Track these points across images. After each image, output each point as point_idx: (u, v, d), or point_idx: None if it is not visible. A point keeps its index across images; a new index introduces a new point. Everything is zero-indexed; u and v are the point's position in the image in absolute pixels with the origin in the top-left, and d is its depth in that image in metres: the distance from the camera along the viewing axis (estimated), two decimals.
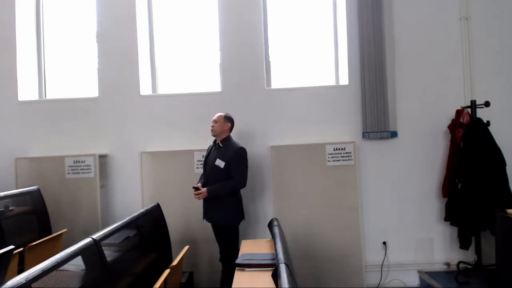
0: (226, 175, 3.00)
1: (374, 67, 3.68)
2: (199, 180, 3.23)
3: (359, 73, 3.74)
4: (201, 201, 3.58)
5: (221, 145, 3.11)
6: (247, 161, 3.12)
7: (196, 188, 3.03)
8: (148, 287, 2.29)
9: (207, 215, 3.13)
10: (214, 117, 3.15)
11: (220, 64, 3.96)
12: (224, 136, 3.12)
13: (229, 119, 3.16)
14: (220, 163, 3.00)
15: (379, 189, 3.74)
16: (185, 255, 2.76)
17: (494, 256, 3.00)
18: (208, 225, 3.61)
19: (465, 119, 3.53)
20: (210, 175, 3.06)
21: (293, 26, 4.10)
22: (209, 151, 3.21)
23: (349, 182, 3.59)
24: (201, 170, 3.65)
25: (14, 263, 2.44)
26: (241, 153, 3.07)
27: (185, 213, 3.64)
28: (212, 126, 3.12)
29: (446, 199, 3.61)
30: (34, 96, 4.10)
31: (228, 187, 3.01)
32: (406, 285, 3.66)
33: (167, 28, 4.16)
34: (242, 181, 3.06)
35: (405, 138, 3.74)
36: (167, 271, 2.29)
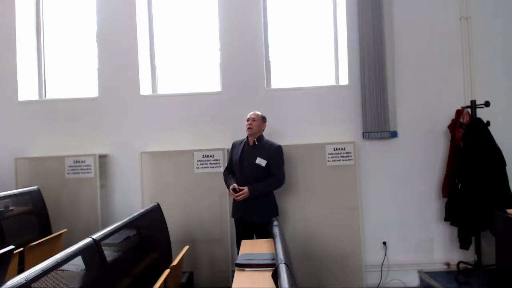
0: (266, 173, 3.05)
1: (374, 67, 3.68)
2: (227, 178, 3.20)
3: (359, 73, 3.74)
4: (202, 202, 3.57)
5: (256, 143, 3.12)
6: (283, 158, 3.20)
7: (234, 190, 3.01)
8: (148, 287, 2.29)
9: (242, 213, 3.06)
10: (252, 115, 3.14)
11: (220, 64, 3.96)
12: (258, 135, 3.15)
13: (265, 120, 3.23)
14: (261, 161, 3.03)
15: (379, 189, 3.74)
16: (185, 255, 2.76)
17: (494, 256, 3.00)
18: (208, 225, 3.62)
19: (465, 119, 3.53)
20: (249, 173, 3.05)
21: (293, 26, 4.10)
22: (242, 150, 3.15)
23: (349, 182, 3.59)
24: (201, 170, 3.66)
25: (14, 263, 2.44)
26: (281, 151, 3.16)
27: (185, 213, 3.64)
28: (250, 124, 3.11)
29: (446, 199, 3.61)
30: (34, 96, 4.10)
31: (270, 186, 3.08)
32: (406, 285, 3.66)
33: (167, 28, 4.16)
34: (282, 179, 3.14)
35: (405, 138, 3.73)
36: (167, 271, 2.30)
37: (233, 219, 3.26)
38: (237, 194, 2.98)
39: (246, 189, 2.97)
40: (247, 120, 3.14)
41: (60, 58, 4.21)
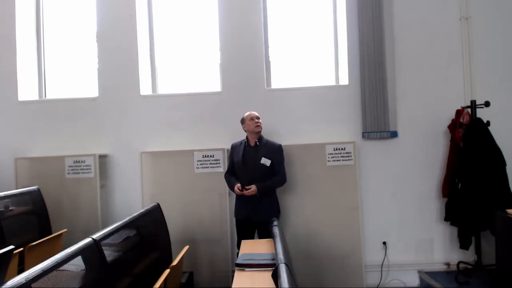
0: (270, 172, 3.08)
1: (374, 67, 3.68)
2: (230, 179, 3.18)
3: (359, 73, 3.74)
4: (202, 202, 3.55)
5: (258, 143, 3.13)
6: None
7: (243, 187, 3.01)
8: (148, 287, 2.29)
9: (249, 213, 3.06)
10: (257, 114, 3.18)
11: (220, 64, 3.96)
12: (260, 134, 3.17)
13: None
14: (266, 161, 3.07)
15: (379, 189, 3.74)
16: (185, 255, 2.76)
17: (494, 256, 3.00)
18: (208, 225, 3.62)
19: (465, 119, 3.53)
20: (254, 174, 3.05)
21: (293, 26, 4.10)
22: (243, 151, 3.14)
23: (349, 182, 3.59)
24: (201, 170, 3.66)
25: (14, 263, 2.44)
26: (282, 150, 3.20)
27: (185, 213, 3.64)
28: (260, 123, 3.15)
29: (446, 199, 3.61)
30: (34, 96, 4.10)
31: (275, 184, 3.13)
32: (406, 285, 3.66)
33: (167, 28, 4.16)
34: (285, 177, 3.20)
35: (405, 138, 3.73)
36: (167, 271, 2.30)
37: (233, 219, 3.25)
38: (247, 192, 2.96)
39: (254, 186, 2.97)
40: (256, 118, 3.13)
41: (60, 58, 4.21)
